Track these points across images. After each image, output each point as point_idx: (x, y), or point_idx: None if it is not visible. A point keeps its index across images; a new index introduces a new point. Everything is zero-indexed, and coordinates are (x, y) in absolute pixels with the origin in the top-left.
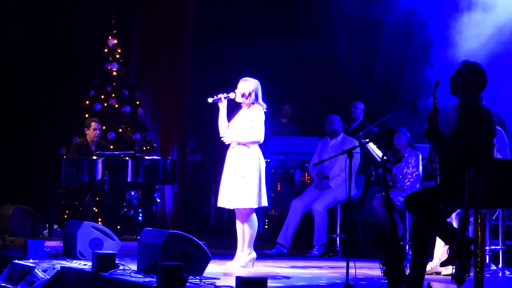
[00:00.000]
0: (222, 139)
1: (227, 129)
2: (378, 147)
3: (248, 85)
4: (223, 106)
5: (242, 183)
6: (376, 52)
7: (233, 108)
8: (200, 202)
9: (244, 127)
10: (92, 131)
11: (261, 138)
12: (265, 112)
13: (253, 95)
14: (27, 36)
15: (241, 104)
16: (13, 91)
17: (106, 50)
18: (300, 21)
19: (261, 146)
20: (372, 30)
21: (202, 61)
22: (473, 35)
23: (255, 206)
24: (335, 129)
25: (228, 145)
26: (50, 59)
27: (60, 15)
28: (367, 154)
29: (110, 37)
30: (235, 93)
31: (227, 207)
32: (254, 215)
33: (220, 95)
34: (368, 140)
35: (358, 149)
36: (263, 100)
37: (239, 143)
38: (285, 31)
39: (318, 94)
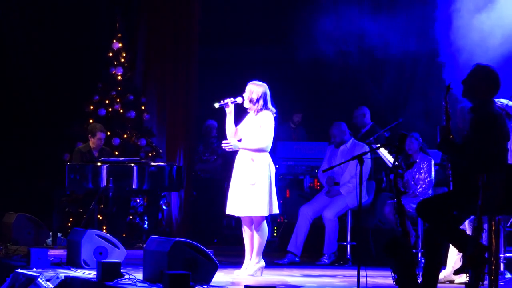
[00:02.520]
0: (223, 145)
1: (234, 135)
2: (390, 153)
3: (256, 89)
4: (230, 111)
5: (252, 190)
6: (387, 54)
7: (241, 112)
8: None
9: (252, 134)
10: (97, 140)
11: (268, 146)
12: (274, 117)
13: (261, 101)
14: (30, 40)
15: (248, 110)
16: (16, 95)
17: (110, 54)
18: (310, 24)
19: (270, 152)
20: (383, 30)
21: (209, 65)
22: (488, 35)
23: (266, 213)
24: (343, 136)
25: (236, 151)
26: (54, 63)
27: (63, 18)
28: (378, 159)
29: (115, 41)
30: (242, 97)
31: (237, 215)
32: (264, 223)
33: (227, 100)
34: (379, 145)
35: (368, 155)
36: (272, 104)
37: (247, 149)
38: (294, 33)
39: (327, 98)
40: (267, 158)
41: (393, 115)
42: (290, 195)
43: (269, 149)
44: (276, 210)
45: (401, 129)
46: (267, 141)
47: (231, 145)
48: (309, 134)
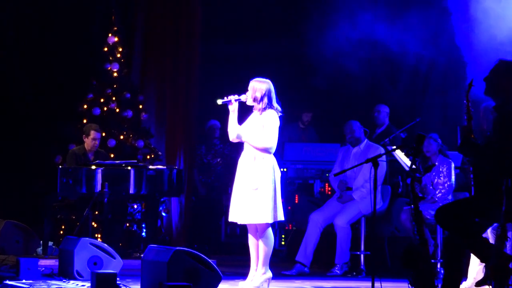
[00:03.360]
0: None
1: (237, 135)
2: (406, 155)
3: (259, 86)
4: (233, 109)
5: (255, 195)
6: (403, 50)
7: (245, 110)
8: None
9: (256, 134)
10: (91, 140)
11: (272, 147)
12: (280, 116)
13: (265, 99)
14: (19, 33)
15: (253, 108)
16: (3, 94)
17: (106, 49)
18: (318, 18)
19: (276, 154)
20: (399, 25)
21: (212, 61)
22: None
23: (270, 220)
24: (357, 137)
25: (239, 153)
26: (44, 58)
27: (55, 10)
28: (393, 162)
29: (110, 35)
30: (246, 95)
31: (239, 222)
32: (270, 231)
33: (231, 97)
34: (394, 147)
35: (383, 157)
36: (278, 102)
37: (249, 145)
38: (302, 27)
39: (339, 96)
40: (271, 160)
41: (410, 115)
42: (299, 201)
43: (273, 150)
44: (281, 217)
45: (418, 129)
46: (272, 141)
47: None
48: (320, 135)
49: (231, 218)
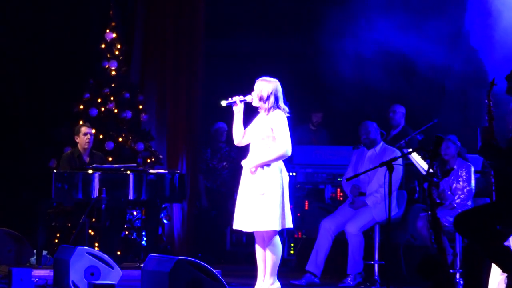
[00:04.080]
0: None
1: (242, 138)
2: (423, 158)
3: (265, 86)
4: (238, 111)
5: (262, 201)
6: (420, 47)
7: (251, 112)
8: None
9: (263, 136)
10: (83, 136)
11: (288, 150)
12: (287, 117)
13: (272, 98)
14: (13, 31)
15: (259, 109)
16: None
17: (103, 46)
18: (329, 14)
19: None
20: (415, 19)
21: (216, 58)
22: None
23: (278, 228)
24: (373, 138)
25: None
26: (37, 56)
27: (49, 5)
28: (410, 166)
29: (108, 30)
30: (252, 95)
31: (244, 229)
32: (277, 239)
33: (236, 98)
34: (411, 149)
35: (399, 161)
36: (285, 103)
37: (262, 166)
38: (312, 23)
39: (351, 96)
40: (279, 164)
41: (427, 115)
42: (309, 207)
43: (289, 153)
44: (289, 224)
45: (436, 131)
46: (286, 144)
47: (248, 166)
48: (332, 137)
49: (236, 226)
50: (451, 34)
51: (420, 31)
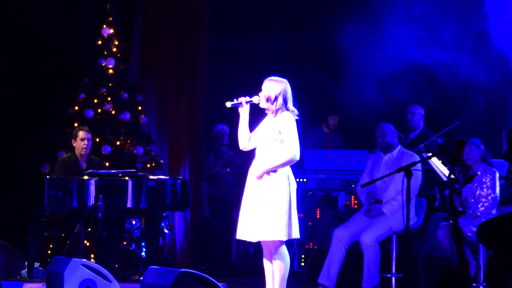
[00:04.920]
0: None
1: (248, 142)
2: (444, 163)
3: (274, 86)
4: (244, 112)
5: (267, 209)
6: (442, 44)
7: (258, 114)
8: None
9: (270, 139)
10: (80, 141)
11: (296, 154)
12: (296, 120)
13: (280, 99)
14: (1, 25)
15: (266, 111)
16: None
17: (99, 42)
18: (343, 8)
19: (295, 162)
20: (435, 15)
21: (221, 56)
22: None
23: (284, 238)
24: (390, 142)
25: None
26: (29, 54)
27: None
28: (429, 172)
29: (105, 26)
30: (259, 96)
31: (248, 239)
32: (284, 249)
33: (241, 99)
34: (431, 154)
35: (418, 166)
36: (294, 105)
37: (269, 172)
38: (324, 17)
39: (367, 96)
40: (286, 169)
41: (448, 117)
42: (321, 215)
43: (298, 157)
44: (296, 234)
45: (458, 134)
46: (295, 148)
47: (256, 175)
48: (346, 140)
49: (239, 235)
50: (474, 34)
51: (441, 31)
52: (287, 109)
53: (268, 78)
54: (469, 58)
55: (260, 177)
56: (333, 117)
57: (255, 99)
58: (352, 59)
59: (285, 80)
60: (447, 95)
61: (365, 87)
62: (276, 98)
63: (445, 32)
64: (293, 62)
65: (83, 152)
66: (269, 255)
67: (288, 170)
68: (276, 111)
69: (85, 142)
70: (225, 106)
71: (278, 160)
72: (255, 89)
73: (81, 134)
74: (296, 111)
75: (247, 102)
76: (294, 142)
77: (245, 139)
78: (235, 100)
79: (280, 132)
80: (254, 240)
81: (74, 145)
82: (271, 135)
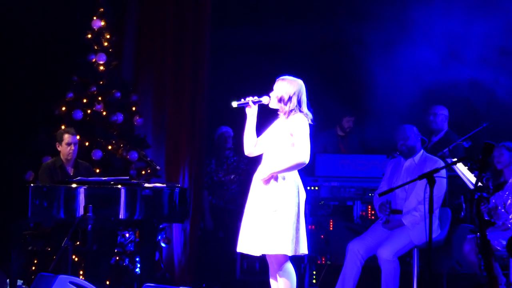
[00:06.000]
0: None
1: (254, 147)
2: (470, 170)
3: (288, 86)
4: (252, 114)
5: (273, 220)
6: (466, 37)
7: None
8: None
9: (281, 144)
10: (65, 146)
11: (305, 158)
12: (310, 124)
13: (294, 100)
14: None
15: (278, 112)
16: None
17: (89, 36)
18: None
19: (305, 168)
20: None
21: (225, 51)
22: None
23: (290, 253)
24: (411, 146)
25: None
26: (12, 49)
27: None
28: (455, 179)
29: (95, 18)
30: (269, 96)
31: (250, 253)
32: (289, 266)
33: (249, 99)
34: (456, 159)
35: (442, 173)
36: (309, 108)
37: (277, 176)
38: (340, 10)
39: (386, 95)
40: (294, 177)
41: (475, 118)
42: (334, 227)
43: (307, 161)
44: (304, 250)
45: (486, 137)
46: (305, 152)
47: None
48: (362, 144)
49: (240, 248)
50: (502, 29)
51: (467, 27)
52: (301, 112)
53: (281, 77)
54: (496, 56)
55: (267, 181)
56: (348, 118)
57: (264, 99)
58: (369, 55)
59: (300, 80)
60: (473, 94)
61: (383, 84)
62: (290, 99)
63: (473, 29)
64: (305, 56)
65: (69, 158)
66: (275, 273)
67: (297, 178)
68: (289, 112)
69: (72, 147)
70: (231, 106)
71: (286, 163)
72: (264, 88)
73: (67, 138)
74: (310, 115)
75: (255, 103)
76: (305, 145)
77: (251, 144)
78: (242, 99)
79: (292, 135)
80: (256, 253)
81: (59, 149)
82: (283, 139)
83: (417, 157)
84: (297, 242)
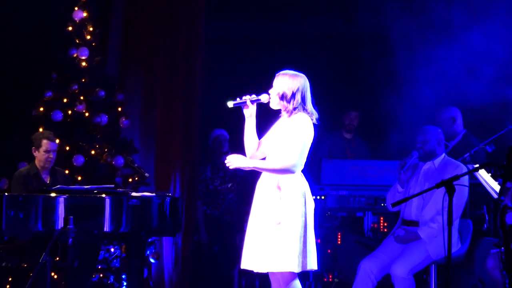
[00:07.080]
0: (226, 162)
1: (256, 150)
2: (494, 177)
3: (290, 82)
4: (250, 114)
5: (277, 233)
6: (488, 32)
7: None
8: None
9: (284, 145)
10: (43, 154)
11: (295, 165)
12: (315, 124)
13: (298, 97)
14: None
15: (280, 114)
16: None
17: (70, 28)
18: None
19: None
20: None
21: (221, 46)
22: None
23: (297, 269)
24: (429, 150)
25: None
26: None
27: None
28: (476, 187)
29: (76, 8)
30: (268, 94)
31: (255, 270)
32: (296, 284)
33: (246, 98)
34: (478, 165)
35: (463, 180)
36: (314, 107)
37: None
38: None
39: (399, 94)
40: (301, 185)
41: (498, 120)
42: (342, 241)
43: (296, 168)
44: (313, 265)
45: (510, 141)
46: (295, 155)
47: (234, 163)
48: (373, 149)
49: (244, 265)
50: None
51: (486, 23)
52: (305, 110)
53: (282, 72)
54: None
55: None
56: (349, 114)
57: (263, 98)
58: (380, 49)
59: (302, 75)
60: (495, 92)
61: (396, 81)
62: (293, 96)
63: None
64: (307, 51)
65: (46, 165)
66: (278, 286)
67: (303, 184)
68: (292, 111)
69: (50, 155)
70: (226, 107)
71: (272, 164)
72: (263, 86)
73: (45, 144)
74: (316, 114)
75: (252, 102)
76: (295, 150)
77: (253, 147)
78: (238, 99)
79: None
80: (261, 270)
81: (34, 154)
82: (286, 140)
83: (437, 161)
84: (305, 256)
